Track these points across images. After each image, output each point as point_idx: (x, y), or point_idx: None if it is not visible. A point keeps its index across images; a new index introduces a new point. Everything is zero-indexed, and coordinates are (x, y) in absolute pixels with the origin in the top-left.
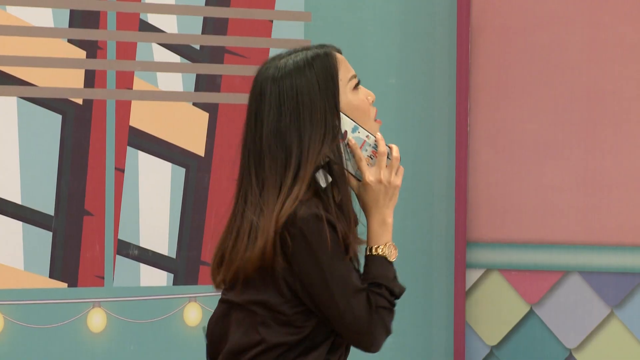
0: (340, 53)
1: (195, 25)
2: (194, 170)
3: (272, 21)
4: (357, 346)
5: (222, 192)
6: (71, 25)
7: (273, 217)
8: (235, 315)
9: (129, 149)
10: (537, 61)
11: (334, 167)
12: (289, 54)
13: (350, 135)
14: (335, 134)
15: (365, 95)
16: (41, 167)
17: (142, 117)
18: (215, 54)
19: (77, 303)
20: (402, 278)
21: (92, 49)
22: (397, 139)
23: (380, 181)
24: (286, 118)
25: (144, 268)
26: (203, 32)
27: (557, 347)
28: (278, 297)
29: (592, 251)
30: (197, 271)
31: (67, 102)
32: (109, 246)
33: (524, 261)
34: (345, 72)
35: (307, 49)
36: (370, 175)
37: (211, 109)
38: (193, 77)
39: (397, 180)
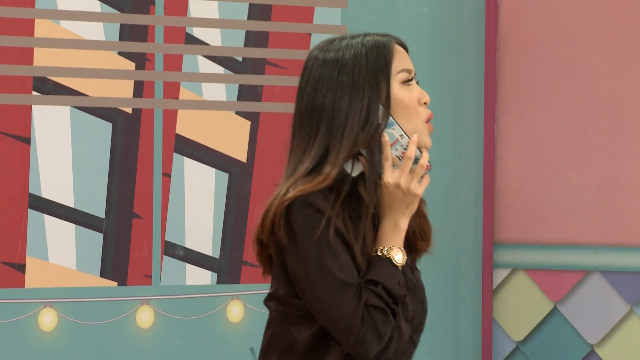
0: (403, 46)
1: (237, 38)
2: (237, 175)
3: (310, 34)
4: (347, 348)
5: (262, 196)
6: (121, 38)
7: (279, 197)
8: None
9: (175, 155)
10: (562, 70)
11: (362, 159)
12: (350, 37)
13: (383, 130)
14: (376, 126)
15: (417, 94)
16: (93, 172)
17: (188, 125)
18: (256, 65)
19: (126, 301)
20: (433, 277)
21: (140, 60)
22: None
23: (398, 186)
24: (322, 95)
25: (189, 268)
26: (245, 45)
27: (579, 343)
28: (285, 288)
29: (612, 252)
30: (240, 270)
31: (117, 111)
32: (157, 247)
33: (548, 261)
34: (398, 63)
35: (367, 35)
36: (389, 177)
37: (253, 118)
38: (236, 87)
39: (418, 189)
